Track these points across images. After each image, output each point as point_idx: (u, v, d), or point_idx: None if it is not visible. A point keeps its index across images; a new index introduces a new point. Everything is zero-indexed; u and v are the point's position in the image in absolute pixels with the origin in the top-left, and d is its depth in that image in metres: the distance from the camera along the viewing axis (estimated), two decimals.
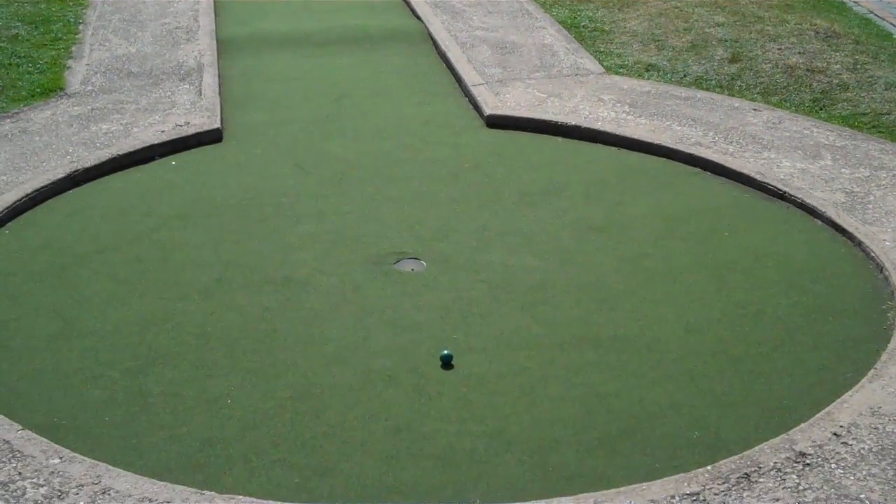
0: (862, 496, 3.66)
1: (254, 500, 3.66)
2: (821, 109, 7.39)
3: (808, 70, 8.04)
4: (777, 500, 3.64)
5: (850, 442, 3.94)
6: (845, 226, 5.64)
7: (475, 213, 5.95)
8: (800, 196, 5.97)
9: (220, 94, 7.70)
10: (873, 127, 7.02)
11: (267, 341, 4.72)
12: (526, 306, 5.00)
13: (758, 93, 7.70)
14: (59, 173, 6.23)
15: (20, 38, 8.75)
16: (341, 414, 4.23)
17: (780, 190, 6.07)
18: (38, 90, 7.63)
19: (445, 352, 4.27)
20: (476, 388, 4.40)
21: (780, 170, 6.28)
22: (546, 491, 3.79)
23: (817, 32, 8.80)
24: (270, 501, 3.65)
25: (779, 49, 8.47)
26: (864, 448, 3.91)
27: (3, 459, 3.82)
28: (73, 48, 8.63)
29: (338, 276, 5.25)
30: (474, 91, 7.67)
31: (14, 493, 3.64)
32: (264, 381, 4.44)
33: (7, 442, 3.92)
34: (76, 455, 3.89)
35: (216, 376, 4.47)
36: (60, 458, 3.86)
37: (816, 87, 7.75)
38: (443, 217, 5.90)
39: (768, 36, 8.71)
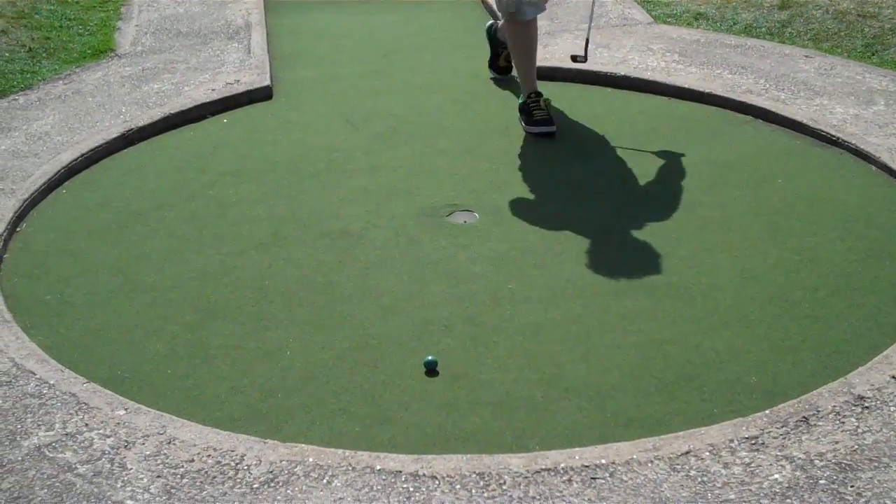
0: None
1: (317, 447, 3.70)
2: (873, 55, 7.31)
3: (859, 15, 7.95)
4: (836, 442, 3.64)
5: None
6: None
7: (526, 164, 5.96)
8: (853, 142, 5.92)
9: (268, 51, 7.73)
10: None
11: (324, 293, 4.76)
12: (580, 255, 5.01)
13: (808, 39, 7.63)
14: (114, 133, 6.29)
15: (69, 0, 8.82)
16: (399, 364, 4.27)
17: (834, 136, 6.02)
18: (89, 52, 7.69)
19: (430, 358, 4.25)
20: (532, 337, 4.43)
21: (833, 116, 6.23)
22: (604, 436, 3.81)
23: None
24: (333, 449, 3.69)
25: None
26: None
27: (71, 412, 3.90)
28: (122, 9, 8.69)
29: (392, 229, 5.28)
30: None
31: (82, 444, 3.71)
32: (322, 332, 4.49)
33: (73, 395, 3.99)
34: (141, 406, 3.96)
35: (275, 329, 4.53)
36: (126, 409, 3.92)
37: (868, 32, 7.66)
38: (494, 169, 5.91)
39: None
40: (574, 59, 6.47)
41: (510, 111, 6.62)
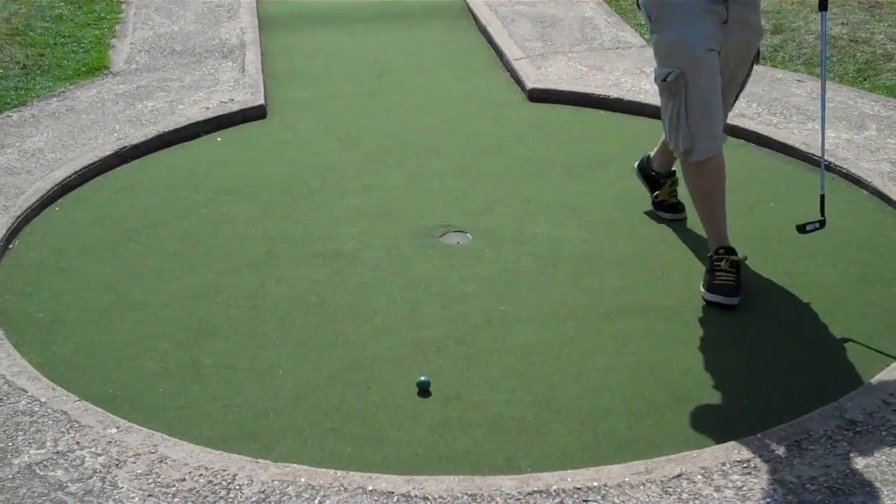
0: None
1: (308, 468, 3.70)
2: (865, 80, 7.35)
3: (851, 41, 7.99)
4: (828, 466, 3.65)
5: None
6: (891, 195, 5.62)
7: (520, 186, 5.97)
8: (845, 166, 5.95)
9: (262, 70, 7.75)
10: None
11: (316, 313, 4.76)
12: (573, 277, 5.02)
13: (801, 64, 7.66)
14: (107, 150, 6.29)
15: (64, 17, 8.84)
16: (391, 384, 4.26)
17: (826, 161, 6.03)
18: (84, 69, 7.71)
19: (422, 378, 4.25)
20: (524, 358, 4.42)
21: (825, 140, 6.24)
22: (596, 458, 3.80)
23: (860, 3, 8.75)
24: (325, 469, 3.69)
25: None
26: None
27: (62, 430, 3.88)
28: (117, 27, 8.71)
29: (385, 250, 5.28)
30: (516, 65, 7.68)
31: (74, 463, 3.70)
32: (315, 352, 4.48)
33: (65, 413, 3.98)
34: (132, 425, 3.94)
35: (267, 348, 4.52)
36: (117, 427, 3.91)
37: (860, 57, 7.70)
38: (487, 190, 5.92)
39: (810, 7, 8.64)
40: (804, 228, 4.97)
41: (503, 132, 6.65)
